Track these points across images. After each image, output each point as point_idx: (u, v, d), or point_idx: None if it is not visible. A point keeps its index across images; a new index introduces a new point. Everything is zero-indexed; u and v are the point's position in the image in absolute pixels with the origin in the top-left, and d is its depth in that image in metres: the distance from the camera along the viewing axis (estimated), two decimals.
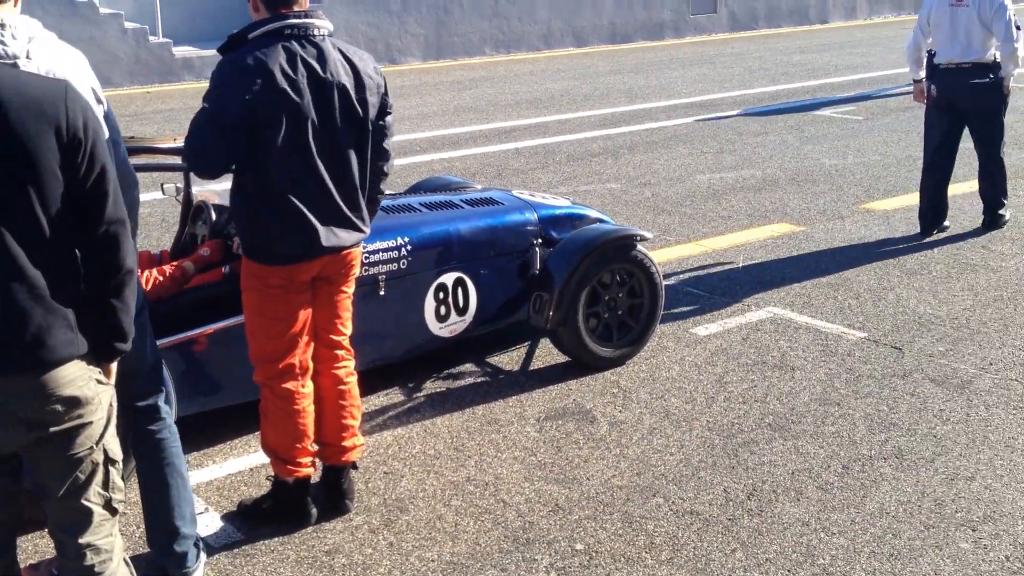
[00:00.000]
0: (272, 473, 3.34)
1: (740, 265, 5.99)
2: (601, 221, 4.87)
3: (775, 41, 16.46)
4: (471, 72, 13.48)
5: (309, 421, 3.27)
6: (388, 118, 3.26)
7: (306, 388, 3.25)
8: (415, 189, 5.34)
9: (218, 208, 4.23)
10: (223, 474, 3.70)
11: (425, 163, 8.50)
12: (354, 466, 3.47)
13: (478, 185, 5.40)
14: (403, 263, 4.19)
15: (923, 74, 6.40)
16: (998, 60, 6.13)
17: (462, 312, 4.39)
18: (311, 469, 3.32)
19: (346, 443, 3.37)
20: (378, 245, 4.10)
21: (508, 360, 4.67)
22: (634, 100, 11.33)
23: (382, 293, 4.14)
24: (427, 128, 9.90)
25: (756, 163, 8.45)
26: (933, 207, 6.45)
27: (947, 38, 6.18)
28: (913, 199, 7.24)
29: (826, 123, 10.00)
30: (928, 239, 6.39)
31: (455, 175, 7.87)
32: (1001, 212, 6.56)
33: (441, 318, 4.34)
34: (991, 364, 4.58)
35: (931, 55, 6.32)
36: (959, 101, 6.21)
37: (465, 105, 11.09)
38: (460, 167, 8.39)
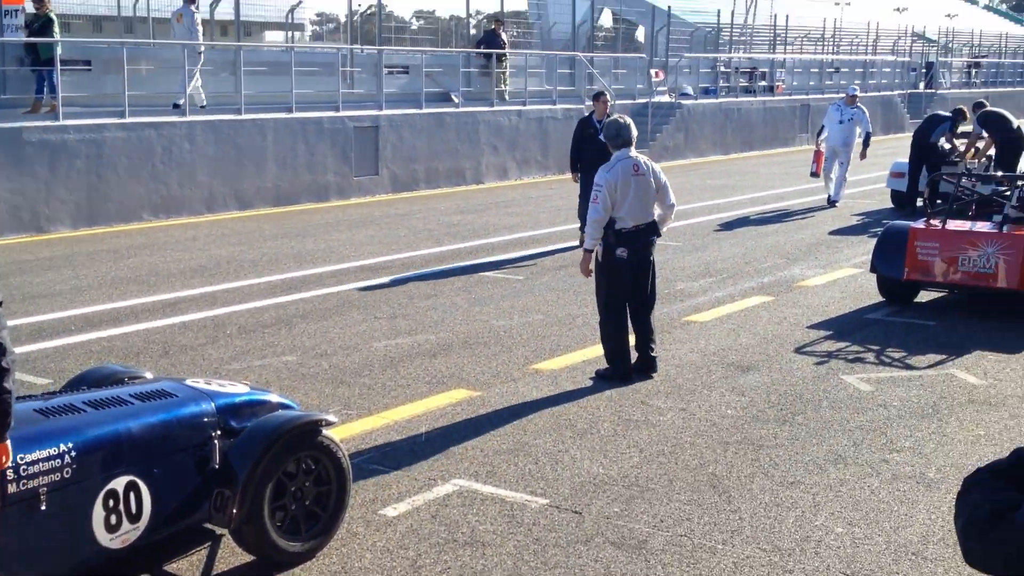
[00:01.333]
0: None
1: (423, 436, 6.04)
2: (284, 406, 4.74)
3: (436, 201, 17.18)
4: (129, 239, 12.93)
5: None
6: None
7: None
8: (76, 383, 4.95)
9: None
10: None
11: (81, 344, 7.95)
12: None
13: (148, 374, 5.10)
14: (67, 472, 3.84)
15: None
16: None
17: (135, 519, 4.06)
18: None
19: None
20: (37, 455, 3.74)
21: (187, 566, 4.36)
22: (303, 265, 11.32)
23: (43, 508, 3.76)
24: (82, 304, 9.31)
25: (430, 327, 8.65)
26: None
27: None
28: (576, 357, 7.70)
29: (491, 284, 10.48)
30: (593, 395, 6.78)
31: (116, 357, 7.42)
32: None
33: (111, 528, 4.00)
34: (662, 521, 4.86)
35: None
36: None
37: (124, 276, 10.58)
38: (122, 346, 7.93)
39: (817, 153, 16.85)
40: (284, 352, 7.85)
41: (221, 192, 15.39)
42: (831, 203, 16.23)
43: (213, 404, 4.48)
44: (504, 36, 22.18)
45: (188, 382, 4.77)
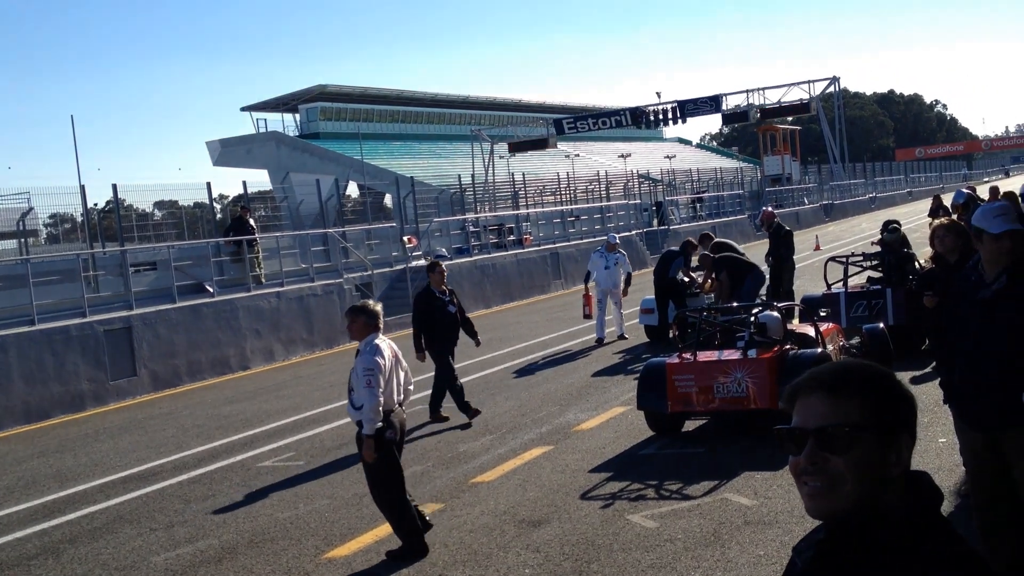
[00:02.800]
0: None
1: None
2: None
3: (202, 394, 16.63)
4: None
5: None
6: None
7: None
8: None
9: None
10: None
11: None
12: None
13: None
14: None
15: None
16: None
17: None
18: None
19: None
20: None
21: None
22: (65, 483, 10.61)
23: None
24: None
25: (211, 531, 8.27)
26: None
27: None
28: (368, 538, 7.56)
29: (271, 474, 10.18)
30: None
31: None
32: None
33: None
34: None
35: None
36: None
37: None
38: None
39: (586, 296, 17.92)
40: None
41: None
42: (600, 341, 17.11)
43: None
44: (252, 220, 22.19)
45: None
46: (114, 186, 20.34)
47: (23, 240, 22.37)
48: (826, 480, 1.79)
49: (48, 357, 15.69)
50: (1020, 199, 9.66)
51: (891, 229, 14.53)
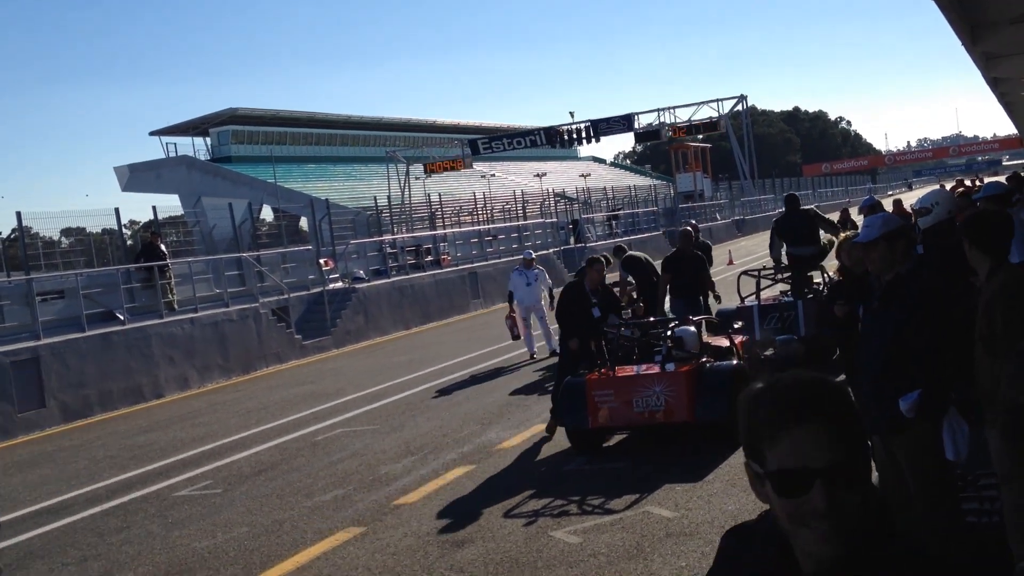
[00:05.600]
0: None
1: None
2: None
3: (115, 424, 16.23)
4: None
5: None
6: None
7: None
8: None
9: None
10: None
11: None
12: None
13: None
14: None
15: None
16: None
17: None
18: None
19: None
20: None
21: None
22: None
23: None
24: None
25: (126, 564, 8.06)
26: None
27: None
28: (288, 566, 7.45)
29: (187, 503, 9.96)
30: None
31: None
32: None
33: None
34: None
35: None
36: None
37: None
38: None
39: (511, 317, 17.75)
40: None
41: None
42: (532, 357, 17.16)
43: None
44: (163, 246, 21.79)
45: None
46: (18, 214, 19.76)
47: None
48: (842, 520, 1.58)
49: None
50: (912, 212, 9.95)
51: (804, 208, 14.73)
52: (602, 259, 11.63)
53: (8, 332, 17.19)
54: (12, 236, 22.33)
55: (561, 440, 10.34)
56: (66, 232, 30.46)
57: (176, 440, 13.81)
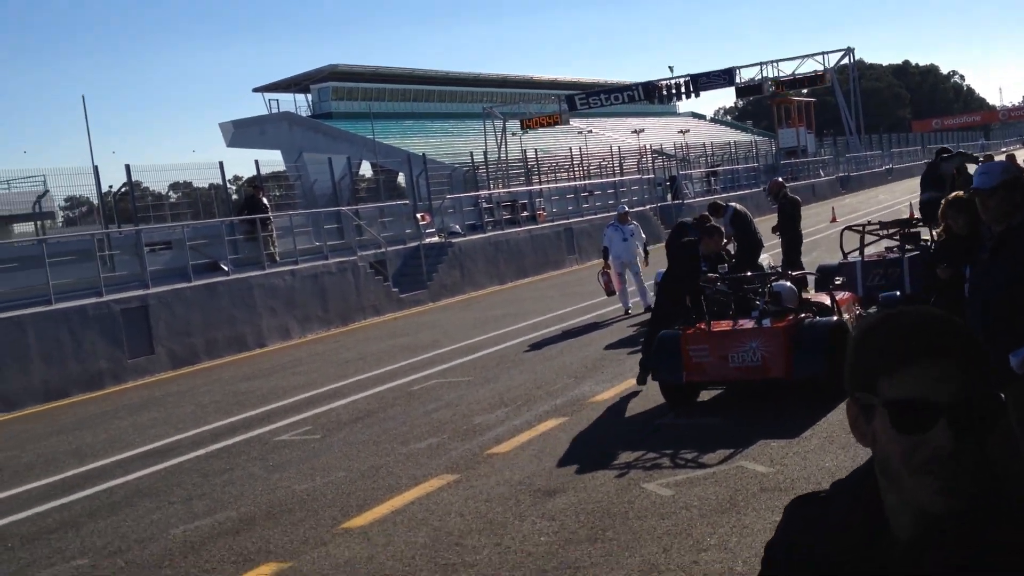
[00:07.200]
0: None
1: None
2: None
3: (219, 372, 16.72)
4: None
5: None
6: None
7: None
8: None
9: None
10: None
11: None
12: None
13: None
14: None
15: None
16: None
17: None
18: None
19: None
20: None
21: None
22: (84, 460, 10.69)
23: None
24: None
25: (229, 503, 8.33)
26: None
27: None
28: (384, 509, 7.61)
29: (287, 448, 10.24)
30: (406, 545, 6.70)
31: None
32: None
33: None
34: None
35: None
36: None
37: None
38: None
39: (607, 272, 17.68)
40: (74, 556, 7.34)
41: None
42: (627, 312, 17.10)
43: None
44: (265, 199, 22.22)
45: None
46: (127, 167, 20.39)
47: (39, 222, 22.49)
48: (963, 468, 1.38)
49: (66, 336, 15.80)
50: None
51: (945, 157, 14.12)
52: (722, 229, 11.54)
53: (119, 281, 17.79)
54: (123, 190, 23.04)
55: (654, 395, 10.29)
56: (173, 186, 31.32)
57: (277, 388, 14.17)
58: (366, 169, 56.68)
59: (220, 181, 24.09)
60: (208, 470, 9.63)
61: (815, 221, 32.38)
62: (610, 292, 17.84)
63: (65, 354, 15.71)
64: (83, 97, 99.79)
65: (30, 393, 15.04)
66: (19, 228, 28.87)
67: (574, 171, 39.39)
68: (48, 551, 7.57)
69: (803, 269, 12.92)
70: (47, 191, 21.22)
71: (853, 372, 1.48)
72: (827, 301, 10.31)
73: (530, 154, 39.84)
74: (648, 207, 37.24)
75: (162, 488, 9.12)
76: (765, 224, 18.00)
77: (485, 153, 37.52)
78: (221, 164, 22.94)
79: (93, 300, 16.53)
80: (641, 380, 10.84)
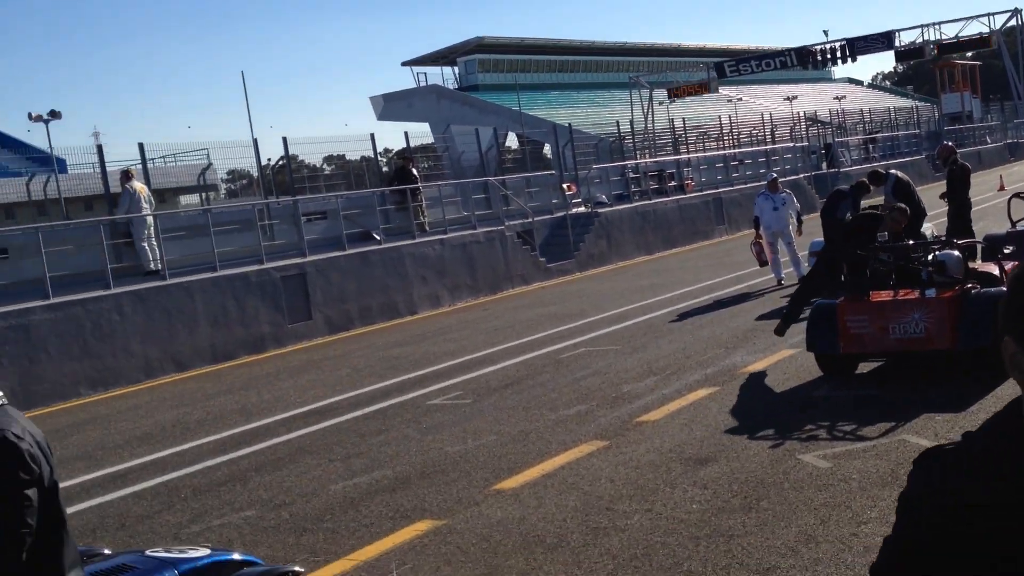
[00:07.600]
0: None
1: (394, 574, 5.95)
2: (248, 562, 4.65)
3: (372, 338, 17.20)
4: (70, 416, 12.69)
5: None
6: None
7: None
8: None
9: None
10: None
11: None
12: None
13: (107, 550, 4.97)
14: None
15: None
16: None
17: None
18: None
19: None
20: None
21: None
22: (250, 418, 11.20)
23: None
24: None
25: (385, 462, 8.59)
26: None
27: None
28: (535, 472, 7.71)
29: (439, 411, 10.47)
30: (557, 508, 6.77)
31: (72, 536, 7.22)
32: None
33: None
34: None
35: None
36: None
37: (69, 454, 10.34)
38: (77, 525, 7.70)
39: (758, 242, 17.35)
40: (242, 508, 7.71)
41: (156, 358, 15.23)
42: (780, 283, 16.81)
43: (176, 572, 4.37)
44: (415, 170, 22.64)
45: (148, 553, 4.65)
46: (284, 139, 21.12)
47: (204, 194, 23.55)
48: None
49: (231, 301, 16.53)
50: None
51: None
52: (907, 210, 11.15)
53: (278, 250, 18.48)
54: (280, 162, 23.89)
55: (810, 366, 10.06)
56: (327, 159, 32.27)
57: (429, 353, 14.48)
58: (512, 140, 57.01)
59: (371, 153, 24.69)
60: (365, 430, 9.94)
61: (982, 189, 30.84)
62: (762, 262, 17.47)
63: (230, 318, 16.44)
64: (242, 73, 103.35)
65: (199, 354, 15.82)
66: (185, 199, 30.35)
67: (723, 140, 38.66)
68: (218, 502, 7.97)
69: (972, 237, 12.36)
70: (210, 164, 22.19)
71: (1012, 309, 1.44)
72: (995, 271, 9.84)
73: (678, 123, 39.28)
74: (802, 175, 36.24)
75: (322, 446, 9.47)
76: (927, 193, 17.29)
77: (632, 123, 37.09)
78: (372, 137, 23.51)
79: (255, 267, 17.23)
80: (779, 331, 11.17)
